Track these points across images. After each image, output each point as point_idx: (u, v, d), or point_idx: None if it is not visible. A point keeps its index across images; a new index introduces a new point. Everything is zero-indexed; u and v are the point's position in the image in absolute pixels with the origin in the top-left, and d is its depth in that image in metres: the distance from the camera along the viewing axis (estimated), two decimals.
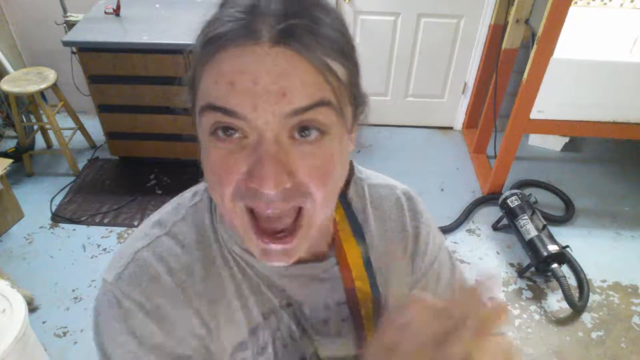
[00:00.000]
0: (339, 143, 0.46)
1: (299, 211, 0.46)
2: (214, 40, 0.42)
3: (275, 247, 0.46)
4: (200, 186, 0.60)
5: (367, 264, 0.62)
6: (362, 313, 0.62)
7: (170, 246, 0.55)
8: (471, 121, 3.18)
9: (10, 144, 2.87)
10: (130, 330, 0.51)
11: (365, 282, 0.61)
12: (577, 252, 2.33)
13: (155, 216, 0.59)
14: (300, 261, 0.56)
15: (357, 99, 0.49)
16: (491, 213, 2.59)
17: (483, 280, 0.42)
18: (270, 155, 0.41)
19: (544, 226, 2.25)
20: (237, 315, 0.56)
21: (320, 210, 0.46)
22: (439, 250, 0.69)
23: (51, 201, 2.58)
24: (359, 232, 0.62)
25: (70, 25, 2.54)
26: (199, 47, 0.45)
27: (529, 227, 2.25)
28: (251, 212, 0.46)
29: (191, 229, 0.56)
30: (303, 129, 0.42)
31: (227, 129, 0.42)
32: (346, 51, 0.46)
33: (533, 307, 2.14)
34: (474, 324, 0.41)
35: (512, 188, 2.63)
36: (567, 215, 2.59)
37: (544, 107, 2.27)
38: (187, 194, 0.60)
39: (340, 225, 0.61)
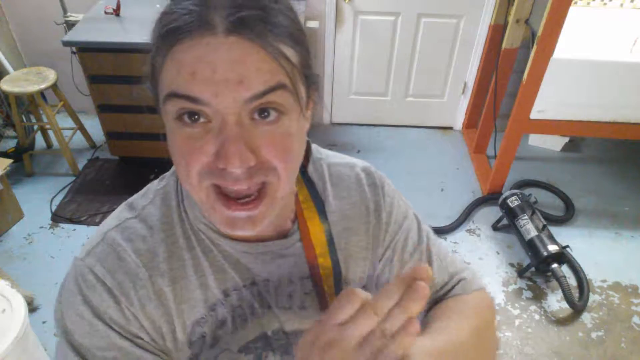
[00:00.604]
0: (296, 121, 0.49)
1: (263, 185, 0.49)
2: (170, 33, 0.45)
3: (240, 214, 0.49)
4: (168, 173, 0.64)
5: (330, 241, 0.65)
6: (325, 288, 0.65)
7: (139, 229, 0.59)
8: (471, 121, 3.18)
9: (10, 144, 2.87)
10: (88, 302, 0.54)
11: (328, 258, 0.64)
12: (577, 252, 2.33)
13: (127, 201, 0.63)
14: (264, 239, 0.60)
15: (309, 79, 0.51)
16: (491, 213, 2.60)
17: (413, 274, 0.42)
18: (234, 136, 0.44)
19: (544, 226, 2.25)
20: (196, 293, 0.59)
21: (284, 183, 0.50)
22: (404, 219, 0.71)
23: (51, 201, 2.58)
24: (322, 209, 0.65)
25: (70, 25, 2.54)
26: (156, 40, 0.48)
27: (529, 227, 2.25)
28: (217, 187, 0.48)
29: (158, 212, 0.60)
30: (262, 110, 0.45)
31: (192, 114, 0.45)
32: (296, 36, 0.48)
33: (533, 307, 2.15)
34: (399, 319, 0.42)
35: (512, 188, 2.63)
36: (567, 215, 2.59)
37: (544, 107, 2.27)
38: (157, 181, 0.64)
39: (304, 204, 0.63)
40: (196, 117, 0.45)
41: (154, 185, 0.63)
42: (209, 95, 0.43)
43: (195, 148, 0.46)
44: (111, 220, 0.61)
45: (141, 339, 0.57)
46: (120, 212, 0.61)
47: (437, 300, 0.72)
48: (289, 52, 0.47)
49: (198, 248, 0.60)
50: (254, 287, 0.62)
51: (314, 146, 0.69)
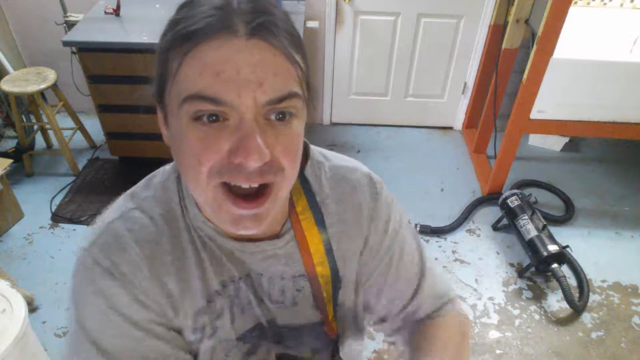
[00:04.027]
0: (303, 125, 0.52)
1: (268, 184, 0.51)
2: (191, 35, 0.46)
3: (247, 212, 0.50)
4: (167, 167, 0.66)
5: (329, 250, 0.66)
6: (324, 296, 0.67)
7: (141, 219, 0.60)
8: (471, 121, 3.18)
9: (10, 144, 2.86)
10: (99, 292, 0.57)
11: (326, 266, 0.66)
12: (577, 252, 2.33)
13: (128, 192, 0.65)
14: (257, 239, 0.62)
15: (309, 87, 0.54)
16: (491, 213, 2.59)
17: None
18: (255, 131, 0.46)
19: (544, 226, 2.25)
20: (196, 285, 0.62)
21: (288, 182, 0.52)
22: (400, 228, 0.71)
23: (51, 201, 2.58)
24: (320, 220, 0.66)
25: (70, 25, 2.54)
26: (170, 43, 0.49)
27: (529, 227, 2.25)
28: (225, 186, 0.50)
29: (160, 205, 0.62)
30: (278, 113, 0.48)
31: (211, 116, 0.47)
32: (300, 45, 0.51)
33: (533, 307, 2.15)
34: None
35: (512, 188, 2.63)
36: (567, 215, 2.59)
37: (544, 107, 2.27)
38: (157, 174, 0.66)
39: (302, 214, 0.64)
40: (214, 117, 0.47)
41: (156, 179, 0.65)
42: (233, 95, 0.45)
43: (210, 145, 0.47)
44: (114, 210, 0.63)
45: (155, 323, 0.59)
46: (123, 203, 0.63)
47: (425, 318, 0.74)
48: (299, 59, 0.50)
49: (199, 242, 0.61)
50: (248, 280, 0.64)
51: (313, 148, 0.70)
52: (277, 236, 0.63)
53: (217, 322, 0.64)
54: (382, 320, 0.77)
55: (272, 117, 0.48)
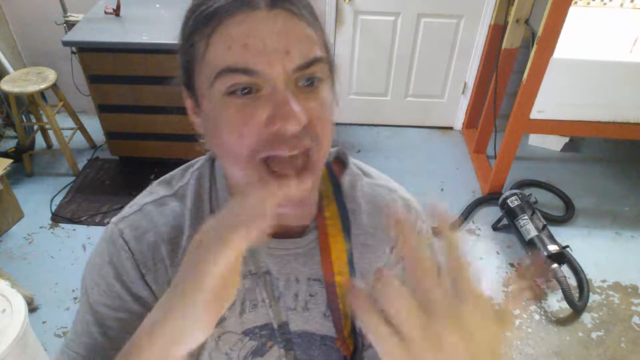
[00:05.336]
0: (329, 92, 0.53)
1: (307, 155, 0.51)
2: (213, 15, 0.48)
3: (291, 190, 0.48)
4: (203, 157, 0.67)
5: (350, 261, 0.65)
6: (340, 307, 0.65)
7: (174, 206, 0.62)
8: (471, 121, 3.18)
9: (10, 144, 2.87)
10: (111, 262, 0.59)
11: (346, 276, 0.65)
12: (577, 252, 2.33)
13: (165, 177, 0.67)
14: (280, 235, 0.62)
15: (331, 58, 0.55)
16: (491, 213, 2.59)
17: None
18: (289, 95, 0.47)
19: (544, 226, 2.25)
20: None
21: (323, 152, 0.53)
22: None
23: (51, 201, 2.58)
24: (347, 228, 0.65)
25: (70, 25, 2.54)
26: (194, 27, 0.50)
27: (529, 227, 2.25)
28: (266, 165, 0.50)
29: (192, 192, 0.63)
30: (306, 79, 0.49)
31: (244, 89, 0.48)
32: (317, 15, 0.53)
33: (533, 307, 2.14)
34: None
35: (512, 188, 2.63)
36: (567, 215, 2.59)
37: (544, 107, 2.27)
38: (194, 163, 0.67)
39: (330, 220, 0.64)
40: (247, 90, 0.48)
41: (191, 168, 0.66)
42: (264, 64, 0.46)
43: (248, 116, 0.48)
44: (149, 194, 0.64)
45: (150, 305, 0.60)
46: (158, 188, 0.65)
47: None
48: (316, 25, 0.51)
49: None
50: (267, 277, 0.64)
51: (353, 161, 0.70)
52: (299, 234, 0.64)
53: (226, 312, 0.64)
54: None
55: (301, 83, 0.49)
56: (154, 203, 0.62)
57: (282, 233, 0.62)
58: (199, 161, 0.67)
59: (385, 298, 0.35)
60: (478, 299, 0.36)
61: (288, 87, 0.48)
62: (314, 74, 0.49)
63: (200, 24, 0.49)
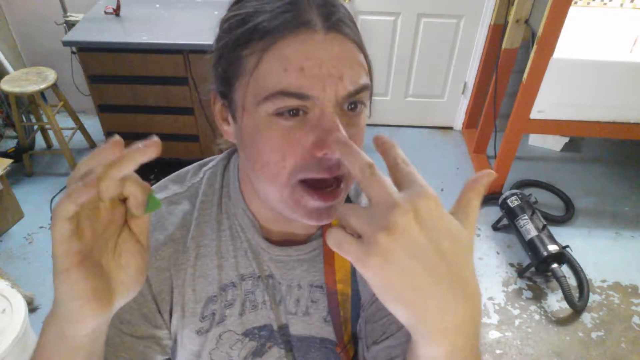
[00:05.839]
0: (366, 116, 0.54)
1: (340, 179, 0.51)
2: (268, 32, 0.47)
3: (325, 205, 0.50)
4: (218, 156, 0.68)
5: (354, 270, 0.64)
6: (341, 314, 0.65)
7: (183, 204, 0.63)
8: (471, 121, 3.17)
9: (10, 144, 2.87)
10: None
11: (348, 286, 0.64)
12: (577, 252, 2.33)
13: (178, 173, 0.67)
14: (285, 242, 0.63)
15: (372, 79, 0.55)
16: (491, 213, 2.59)
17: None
18: (339, 124, 0.47)
19: (544, 226, 2.25)
20: (213, 272, 0.63)
21: (352, 179, 0.53)
22: None
23: (51, 201, 2.58)
24: None
25: (70, 25, 2.54)
26: (244, 40, 0.48)
27: (529, 227, 2.25)
28: (303, 183, 0.50)
29: (202, 191, 0.64)
30: (350, 103, 0.49)
31: (292, 110, 0.47)
32: (361, 37, 0.53)
33: (533, 307, 2.15)
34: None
35: (512, 188, 2.63)
36: (567, 215, 2.59)
37: (544, 107, 2.27)
38: (208, 161, 0.68)
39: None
40: (294, 111, 0.47)
41: (205, 166, 0.67)
42: (318, 90, 0.46)
43: (294, 140, 0.48)
44: (160, 189, 0.65)
45: (149, 298, 0.61)
46: (171, 184, 0.66)
47: None
48: (364, 49, 0.52)
49: (227, 231, 0.63)
50: (269, 280, 0.64)
51: None
52: (304, 241, 0.64)
53: (226, 311, 0.65)
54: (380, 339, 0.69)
55: (345, 107, 0.49)
56: (165, 200, 0.63)
57: (286, 240, 0.63)
58: (214, 159, 0.67)
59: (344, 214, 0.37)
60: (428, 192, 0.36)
61: (336, 111, 0.47)
62: (359, 99, 0.49)
63: (251, 39, 0.48)
